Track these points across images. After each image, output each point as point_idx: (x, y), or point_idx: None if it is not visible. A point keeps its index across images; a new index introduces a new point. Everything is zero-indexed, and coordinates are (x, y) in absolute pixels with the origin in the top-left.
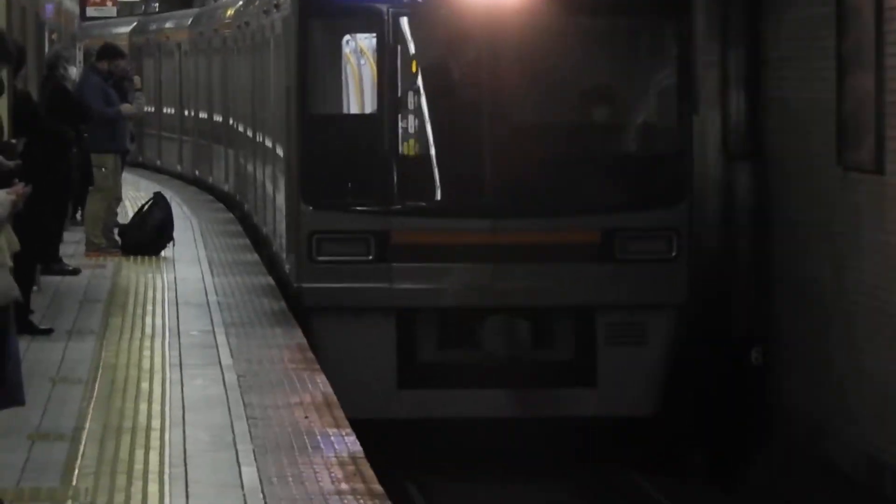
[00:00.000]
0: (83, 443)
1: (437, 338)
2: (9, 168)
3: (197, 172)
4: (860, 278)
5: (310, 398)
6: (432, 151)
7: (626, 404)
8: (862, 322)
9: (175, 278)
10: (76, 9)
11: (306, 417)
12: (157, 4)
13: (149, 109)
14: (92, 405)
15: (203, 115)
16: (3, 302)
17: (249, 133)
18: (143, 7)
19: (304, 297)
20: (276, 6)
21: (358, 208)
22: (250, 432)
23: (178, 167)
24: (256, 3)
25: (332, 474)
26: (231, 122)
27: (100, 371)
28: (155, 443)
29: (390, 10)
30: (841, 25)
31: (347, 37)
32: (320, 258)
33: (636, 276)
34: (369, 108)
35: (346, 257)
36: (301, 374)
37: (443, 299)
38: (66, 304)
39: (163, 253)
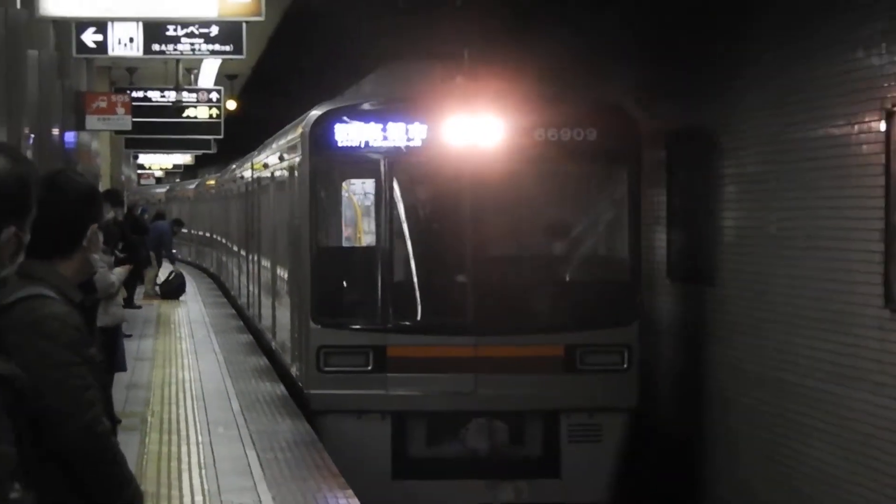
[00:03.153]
0: (153, 389)
1: (426, 436)
2: (121, 258)
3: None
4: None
5: (263, 363)
6: (422, 278)
7: (586, 493)
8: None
9: (188, 310)
10: (135, 176)
11: (267, 377)
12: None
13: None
14: (154, 371)
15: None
16: (119, 322)
17: (236, 248)
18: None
19: (312, 402)
20: (280, 157)
21: (359, 326)
22: (235, 387)
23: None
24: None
25: (280, 411)
26: (225, 241)
27: (157, 354)
28: (189, 390)
29: (385, 158)
30: None
31: (348, 181)
32: (326, 368)
33: (594, 384)
34: (368, 241)
35: (349, 368)
36: (256, 354)
37: (432, 404)
38: (136, 323)
39: (180, 298)
